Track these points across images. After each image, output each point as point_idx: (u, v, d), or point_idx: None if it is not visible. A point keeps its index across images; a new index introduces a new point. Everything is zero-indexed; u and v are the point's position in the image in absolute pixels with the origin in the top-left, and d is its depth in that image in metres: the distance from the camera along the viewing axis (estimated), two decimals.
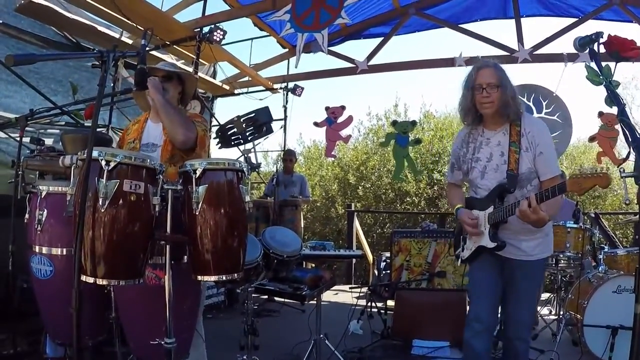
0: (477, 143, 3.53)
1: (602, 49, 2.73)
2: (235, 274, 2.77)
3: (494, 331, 3.66)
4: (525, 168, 3.31)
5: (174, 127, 3.29)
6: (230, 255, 2.74)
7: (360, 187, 16.97)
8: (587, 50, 2.74)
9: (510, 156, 3.32)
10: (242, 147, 3.65)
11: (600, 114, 7.60)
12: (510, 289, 3.49)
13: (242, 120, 3.46)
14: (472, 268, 3.63)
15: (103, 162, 2.38)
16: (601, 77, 2.62)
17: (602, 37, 2.69)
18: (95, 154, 2.36)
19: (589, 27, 8.23)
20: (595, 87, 2.69)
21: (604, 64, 2.70)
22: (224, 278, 2.73)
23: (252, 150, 3.61)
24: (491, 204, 3.35)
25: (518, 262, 3.41)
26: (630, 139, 2.31)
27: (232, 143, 3.59)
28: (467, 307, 5.70)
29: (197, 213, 2.63)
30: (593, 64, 2.71)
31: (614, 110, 2.53)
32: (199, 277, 2.73)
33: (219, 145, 3.82)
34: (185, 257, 2.80)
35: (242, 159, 3.51)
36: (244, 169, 2.87)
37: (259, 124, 3.45)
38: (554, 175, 3.30)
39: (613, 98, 2.56)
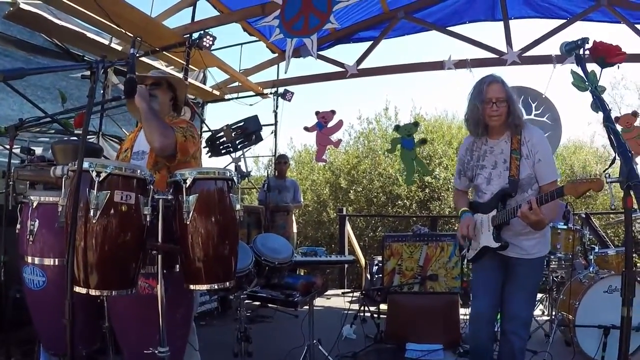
0: (481, 151, 3.79)
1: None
2: (227, 283, 2.79)
3: (495, 323, 3.86)
4: (525, 174, 3.56)
5: (151, 134, 3.29)
6: (221, 264, 2.75)
7: (351, 191, 16.95)
8: (573, 56, 2.77)
9: (511, 163, 3.58)
10: (232, 155, 3.67)
11: (617, 119, 7.61)
12: (511, 286, 3.71)
13: (231, 129, 3.47)
14: (476, 267, 3.89)
15: (94, 173, 2.39)
16: (587, 82, 2.66)
17: (587, 43, 2.72)
18: (85, 165, 2.37)
19: (577, 28, 8.31)
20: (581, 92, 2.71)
21: (589, 69, 2.72)
22: (216, 287, 2.75)
23: (242, 158, 3.62)
24: (494, 208, 3.63)
25: (519, 260, 3.64)
26: (615, 145, 2.34)
27: (222, 152, 3.60)
28: (460, 310, 5.75)
29: (188, 222, 2.64)
30: (579, 69, 2.74)
31: (601, 115, 2.55)
32: (191, 286, 2.74)
33: (209, 154, 3.83)
34: (177, 266, 2.81)
35: (232, 166, 3.53)
36: (234, 177, 2.89)
37: (248, 132, 3.46)
38: (552, 180, 3.56)
39: (599, 104, 2.59)
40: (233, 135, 3.43)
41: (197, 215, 2.65)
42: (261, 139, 3.65)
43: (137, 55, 3.25)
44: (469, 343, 4.05)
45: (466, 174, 3.91)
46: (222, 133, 3.46)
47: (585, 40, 2.72)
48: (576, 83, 2.75)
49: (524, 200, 3.40)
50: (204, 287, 2.76)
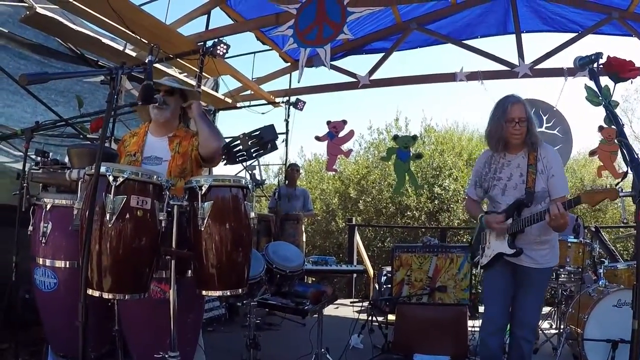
0: (498, 164, 4.00)
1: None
2: (240, 289, 2.81)
3: (506, 330, 4.01)
4: (540, 187, 3.78)
5: (211, 136, 3.47)
6: (234, 271, 2.77)
7: (361, 201, 16.93)
8: (587, 70, 2.78)
9: (528, 176, 3.78)
10: (245, 163, 3.68)
11: (601, 129, 7.60)
12: (520, 294, 3.90)
13: (247, 137, 3.49)
14: (488, 274, 4.05)
15: (111, 178, 2.41)
16: (600, 97, 2.67)
17: (601, 58, 2.74)
18: (103, 169, 2.39)
19: (589, 41, 8.31)
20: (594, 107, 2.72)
21: (603, 84, 2.73)
22: (229, 293, 2.77)
23: (257, 166, 3.63)
24: (510, 217, 3.80)
25: (529, 269, 3.82)
26: (628, 159, 2.36)
27: (237, 160, 3.61)
28: (468, 322, 5.73)
29: (202, 229, 2.67)
30: (592, 84, 2.75)
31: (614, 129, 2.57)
32: (204, 292, 2.77)
33: (225, 162, 3.84)
34: (190, 271, 2.83)
35: (246, 175, 3.53)
36: (249, 185, 2.90)
37: (264, 141, 3.47)
38: (564, 195, 3.76)
39: (612, 118, 2.60)
40: (249, 143, 3.44)
41: (211, 221, 2.68)
42: (276, 148, 3.65)
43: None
44: (480, 351, 4.14)
45: (482, 186, 4.09)
46: (238, 141, 3.48)
47: (599, 55, 2.74)
48: (590, 98, 2.77)
49: (537, 212, 3.59)
50: (217, 293, 2.79)
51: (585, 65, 2.77)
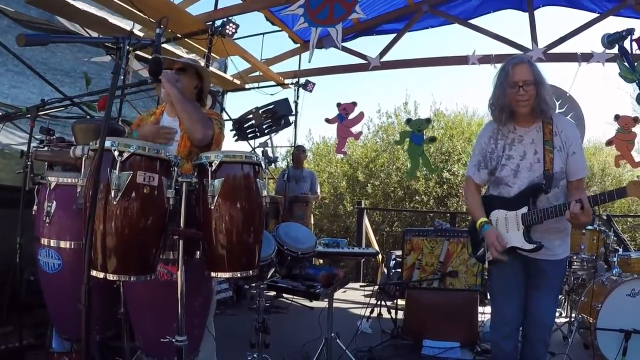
0: (507, 140, 3.42)
1: (635, 47, 2.65)
2: (250, 271, 2.70)
3: (519, 330, 3.55)
4: (558, 168, 3.25)
5: (192, 124, 3.23)
6: (245, 252, 2.67)
7: (369, 185, 16.89)
8: (617, 48, 2.66)
9: (545, 155, 3.25)
10: (256, 140, 3.59)
11: (617, 117, 7.51)
12: (537, 291, 3.44)
13: (260, 112, 3.38)
14: (498, 270, 3.51)
15: (116, 153, 2.30)
16: (634, 74, 2.56)
17: (633, 34, 2.61)
18: (107, 144, 2.29)
19: (603, 26, 8.13)
20: (627, 84, 2.62)
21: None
22: (239, 275, 2.66)
23: (269, 143, 3.53)
24: (524, 205, 3.27)
25: (544, 262, 3.36)
26: None
27: (250, 136, 3.51)
28: (478, 308, 5.65)
29: (212, 207, 2.55)
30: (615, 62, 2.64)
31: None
32: (213, 274, 2.66)
33: (236, 138, 3.73)
34: (198, 252, 2.74)
35: (259, 152, 3.44)
36: (262, 162, 2.80)
37: (277, 116, 3.36)
38: (582, 177, 3.30)
39: None
40: (262, 118, 3.33)
41: (221, 200, 2.56)
42: (289, 124, 3.55)
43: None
44: (493, 355, 3.67)
45: (487, 166, 3.49)
46: (250, 116, 3.36)
47: (630, 30, 2.61)
48: (623, 74, 2.66)
49: (554, 197, 3.25)
50: (226, 274, 2.66)
51: (615, 42, 2.64)
